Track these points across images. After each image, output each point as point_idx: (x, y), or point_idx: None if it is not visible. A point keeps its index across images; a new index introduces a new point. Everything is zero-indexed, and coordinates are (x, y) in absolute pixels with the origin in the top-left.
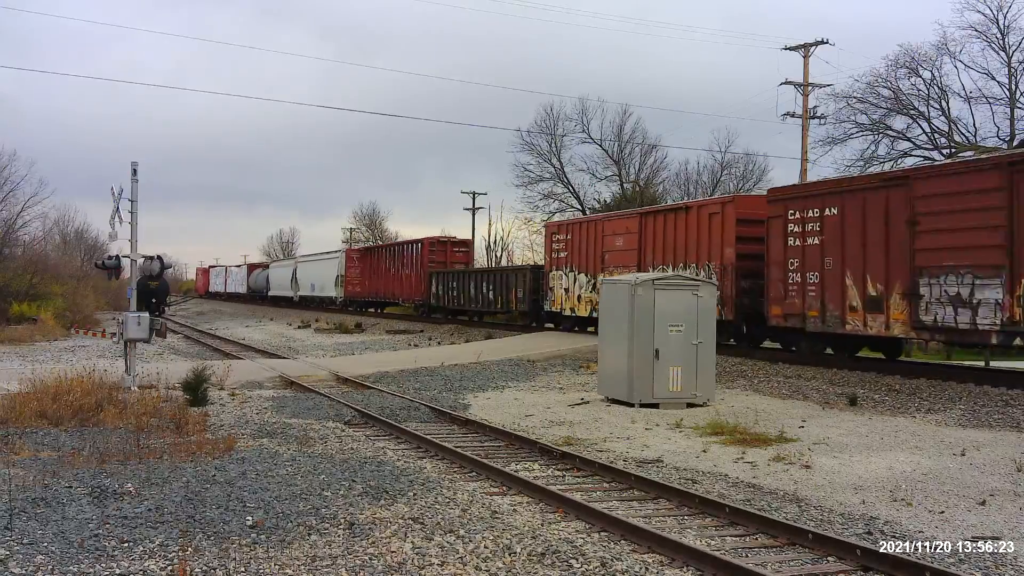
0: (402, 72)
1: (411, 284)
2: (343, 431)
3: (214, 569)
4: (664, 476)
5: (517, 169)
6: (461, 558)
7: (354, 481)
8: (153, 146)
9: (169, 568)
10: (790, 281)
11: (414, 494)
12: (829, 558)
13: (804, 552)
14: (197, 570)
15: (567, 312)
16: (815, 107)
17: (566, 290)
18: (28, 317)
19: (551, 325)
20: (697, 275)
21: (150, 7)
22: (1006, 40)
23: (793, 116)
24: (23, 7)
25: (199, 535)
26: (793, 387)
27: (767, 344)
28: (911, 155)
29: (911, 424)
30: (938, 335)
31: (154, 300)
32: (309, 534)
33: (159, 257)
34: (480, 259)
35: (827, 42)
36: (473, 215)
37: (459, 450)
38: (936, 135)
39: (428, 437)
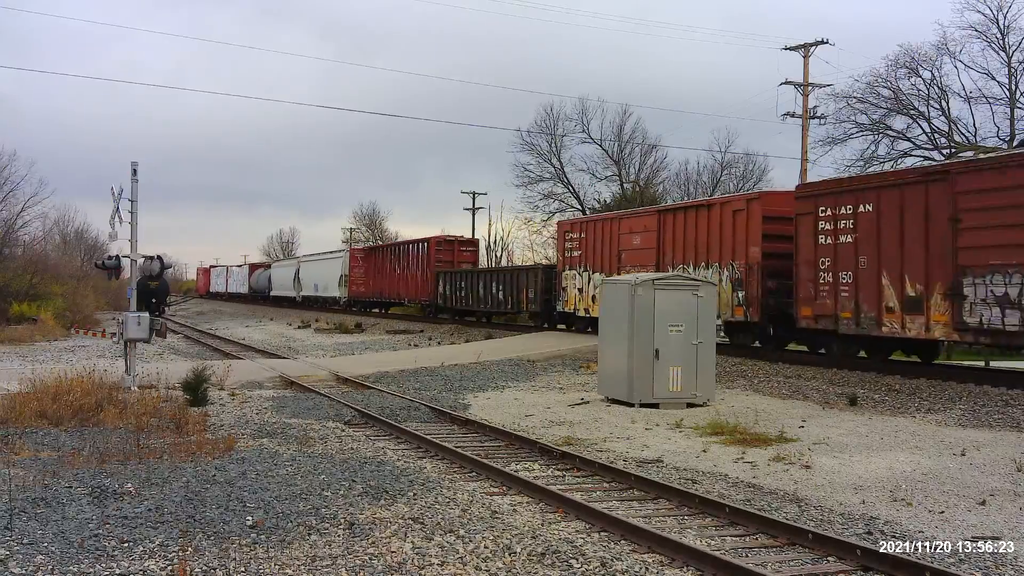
0: (402, 72)
1: (417, 284)
2: (343, 431)
3: (214, 569)
4: (664, 476)
5: (517, 169)
6: (461, 558)
7: (354, 481)
8: (153, 146)
9: (169, 568)
10: (821, 281)
11: (414, 494)
12: (829, 558)
13: (804, 552)
14: (197, 570)
15: (581, 312)
16: (815, 107)
17: (580, 290)
18: (28, 317)
19: (563, 326)
20: (721, 275)
21: (150, 7)
22: (1006, 40)
23: (793, 116)
24: (23, 7)
25: (199, 535)
26: (793, 387)
27: (792, 346)
28: (911, 155)
29: (911, 424)
30: (983, 337)
31: (154, 300)
32: (309, 534)
33: (159, 257)
34: (480, 259)
35: (827, 42)
36: (473, 215)
37: (459, 450)
38: (936, 135)
39: (428, 437)
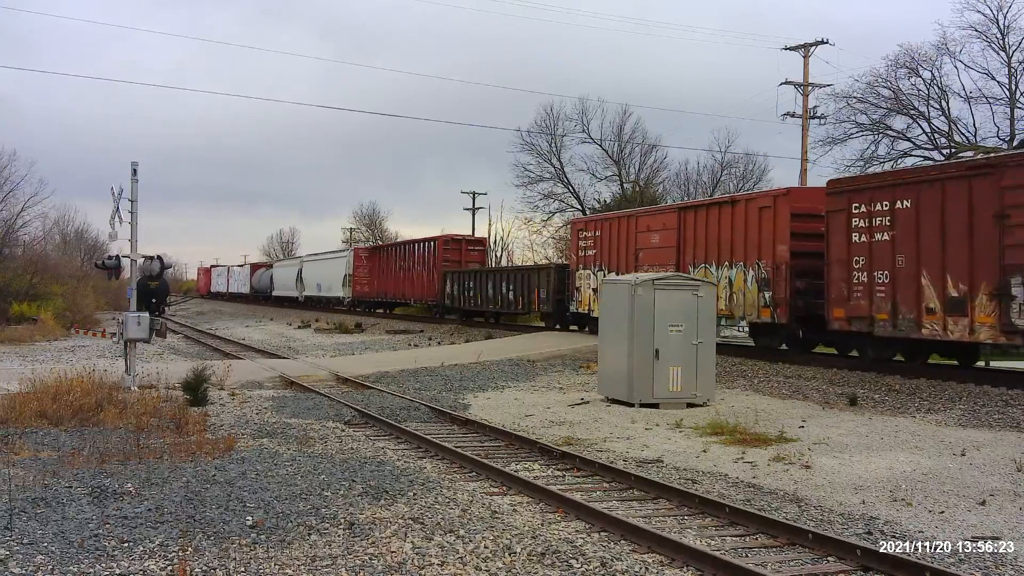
0: (402, 72)
1: (423, 284)
2: (343, 431)
3: (214, 569)
4: (664, 476)
5: (517, 169)
6: (461, 558)
7: (354, 481)
8: (153, 146)
9: (169, 568)
10: (855, 281)
11: (414, 494)
12: (829, 558)
13: (804, 552)
14: (197, 570)
15: (595, 314)
16: (815, 107)
17: (594, 290)
18: (28, 317)
19: (575, 327)
20: (745, 275)
21: (150, 7)
22: (1006, 40)
23: (793, 116)
24: (23, 7)
25: (199, 535)
26: (793, 387)
27: (819, 349)
28: (911, 155)
29: (911, 424)
30: None
31: (154, 300)
32: (309, 534)
33: (159, 257)
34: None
35: (827, 42)
36: (473, 215)
37: (459, 450)
38: (936, 135)
39: (428, 437)
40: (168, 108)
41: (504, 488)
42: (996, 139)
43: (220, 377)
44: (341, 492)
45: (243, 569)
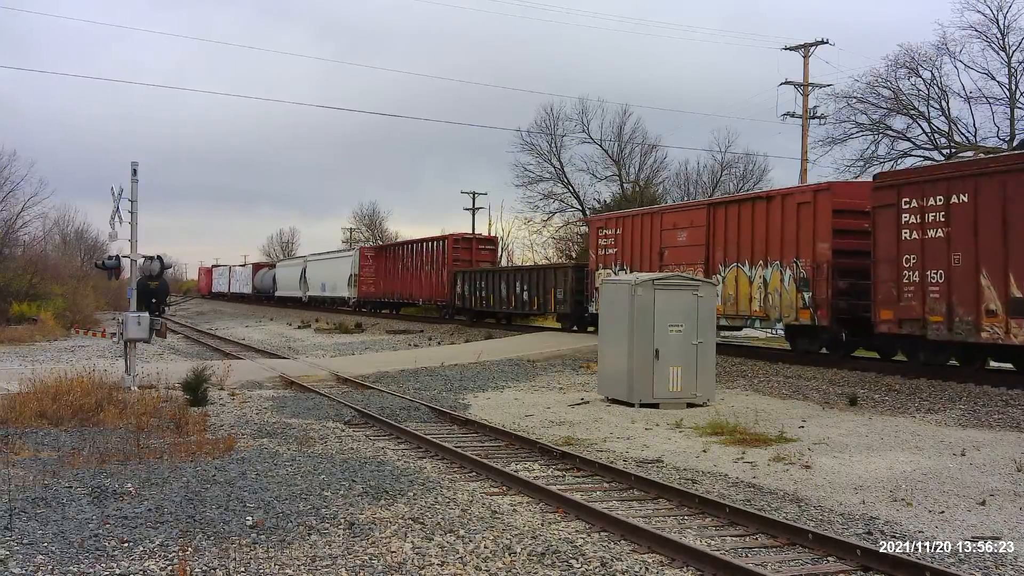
0: (402, 72)
1: (432, 284)
2: (343, 431)
3: (214, 569)
4: (664, 476)
5: (517, 169)
6: (461, 558)
7: (354, 481)
8: (153, 146)
9: (169, 568)
10: (905, 280)
11: (414, 494)
12: (829, 558)
13: (804, 552)
14: (197, 570)
15: None
16: (815, 107)
17: None
18: (28, 317)
19: (593, 328)
20: (782, 274)
21: (149, 7)
22: (1006, 40)
23: (793, 116)
24: (23, 7)
25: (199, 535)
26: (793, 387)
27: (859, 353)
28: (911, 155)
29: (911, 424)
30: None
31: (154, 300)
32: (309, 534)
33: (159, 257)
34: None
35: (827, 42)
36: (473, 215)
37: (459, 450)
38: (936, 135)
39: (428, 437)
40: (168, 108)
41: (504, 488)
42: (996, 139)
43: (220, 377)
44: (341, 492)
45: (243, 569)
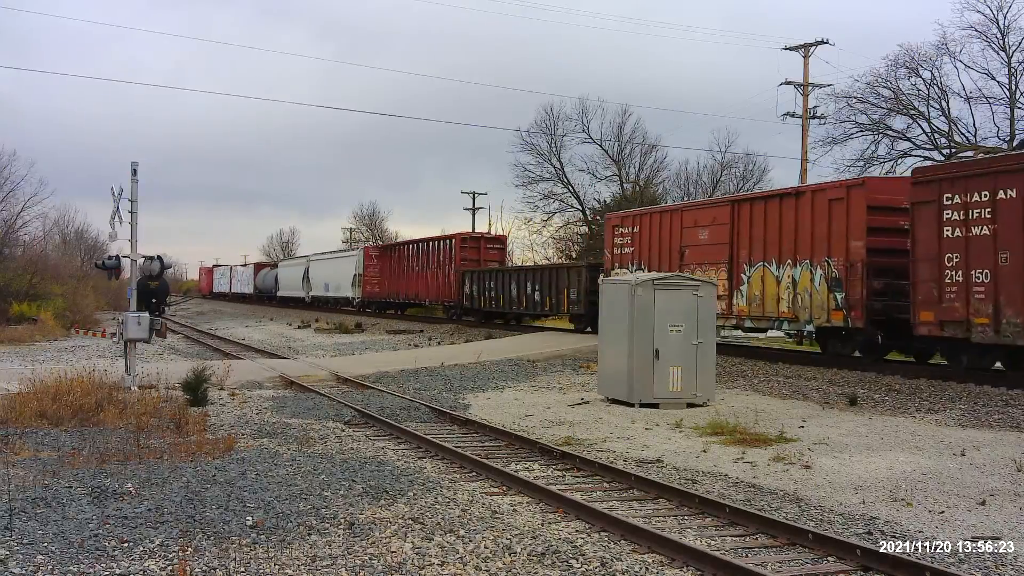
0: (402, 72)
1: (439, 284)
2: (343, 431)
3: (214, 569)
4: (664, 476)
5: (517, 169)
6: (461, 558)
7: (354, 481)
8: (153, 146)
9: (169, 568)
10: (947, 280)
11: (414, 494)
12: (829, 558)
13: (804, 552)
14: (197, 570)
15: None
16: (815, 107)
17: None
18: (28, 317)
19: None
20: (813, 274)
21: (149, 7)
22: (1006, 40)
23: (793, 116)
24: (23, 7)
25: (199, 535)
26: (793, 387)
27: (892, 356)
28: (911, 155)
29: (911, 424)
30: None
31: (154, 300)
32: (309, 534)
33: (159, 257)
34: None
35: (827, 42)
36: (473, 215)
37: (459, 450)
38: (936, 135)
39: (428, 437)
40: (168, 108)
41: (504, 488)
42: (996, 139)
43: (220, 377)
44: (341, 492)
45: (243, 569)
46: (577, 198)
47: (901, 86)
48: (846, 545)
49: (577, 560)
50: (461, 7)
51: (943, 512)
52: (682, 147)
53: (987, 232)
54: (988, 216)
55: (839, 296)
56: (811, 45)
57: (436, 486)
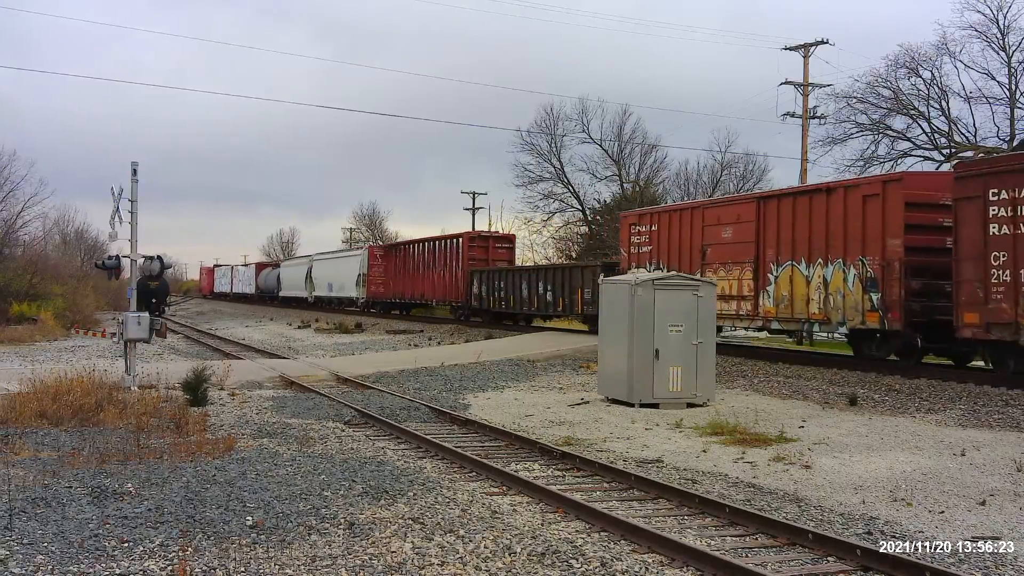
0: (402, 72)
1: (446, 284)
2: (343, 431)
3: (214, 569)
4: (664, 476)
5: (517, 169)
6: (461, 558)
7: (354, 481)
8: (153, 146)
9: (169, 568)
10: (993, 280)
11: (414, 494)
12: (829, 558)
13: (804, 552)
14: (197, 570)
15: None
16: (815, 107)
17: None
18: (28, 317)
19: None
20: (846, 273)
21: (149, 7)
22: (1006, 40)
23: (793, 116)
24: (22, 7)
25: (199, 535)
26: (793, 387)
27: (928, 359)
28: (911, 155)
29: (911, 424)
30: None
31: (154, 300)
32: (309, 534)
33: (159, 257)
34: None
35: (827, 42)
36: (473, 215)
37: (459, 450)
38: (936, 135)
39: (428, 437)
40: (168, 108)
41: (504, 488)
42: (996, 139)
43: (220, 377)
44: (341, 492)
45: (243, 569)
46: (577, 198)
47: (901, 86)
48: (846, 545)
49: (577, 560)
50: (461, 7)
51: (943, 512)
52: (682, 147)
53: None
54: None
55: (875, 297)
56: (811, 45)
57: (436, 486)
